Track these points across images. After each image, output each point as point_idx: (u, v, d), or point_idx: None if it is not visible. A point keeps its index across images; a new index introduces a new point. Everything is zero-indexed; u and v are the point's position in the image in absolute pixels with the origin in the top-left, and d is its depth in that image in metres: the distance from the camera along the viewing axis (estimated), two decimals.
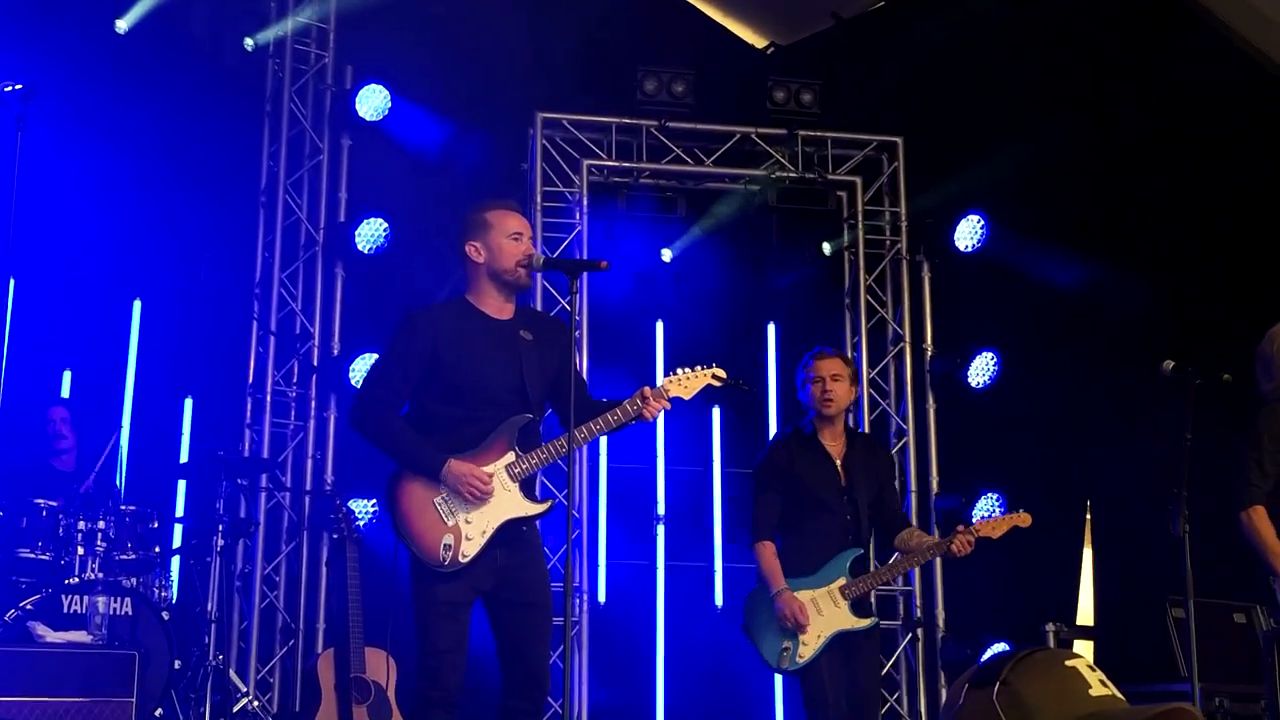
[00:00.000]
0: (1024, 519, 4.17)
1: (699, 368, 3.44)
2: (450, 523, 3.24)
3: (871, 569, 4.28)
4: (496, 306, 3.41)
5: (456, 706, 3.26)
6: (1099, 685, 1.05)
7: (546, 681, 3.32)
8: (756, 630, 4.14)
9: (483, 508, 3.26)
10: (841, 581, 4.10)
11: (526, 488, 3.38)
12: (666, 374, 3.46)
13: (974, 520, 6.21)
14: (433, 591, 3.25)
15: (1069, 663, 1.10)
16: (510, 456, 3.31)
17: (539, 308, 6.10)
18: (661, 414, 3.37)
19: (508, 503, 3.29)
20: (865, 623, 4.13)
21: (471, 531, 3.24)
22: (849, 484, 4.21)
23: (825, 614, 4.08)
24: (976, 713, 1.07)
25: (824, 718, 3.99)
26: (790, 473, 4.20)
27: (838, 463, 4.23)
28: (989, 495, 6.34)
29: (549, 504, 3.38)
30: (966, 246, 6.53)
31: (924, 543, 4.19)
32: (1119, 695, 1.09)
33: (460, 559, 3.23)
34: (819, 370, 4.22)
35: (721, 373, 3.46)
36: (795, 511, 4.19)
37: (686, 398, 3.42)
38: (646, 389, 3.37)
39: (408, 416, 3.38)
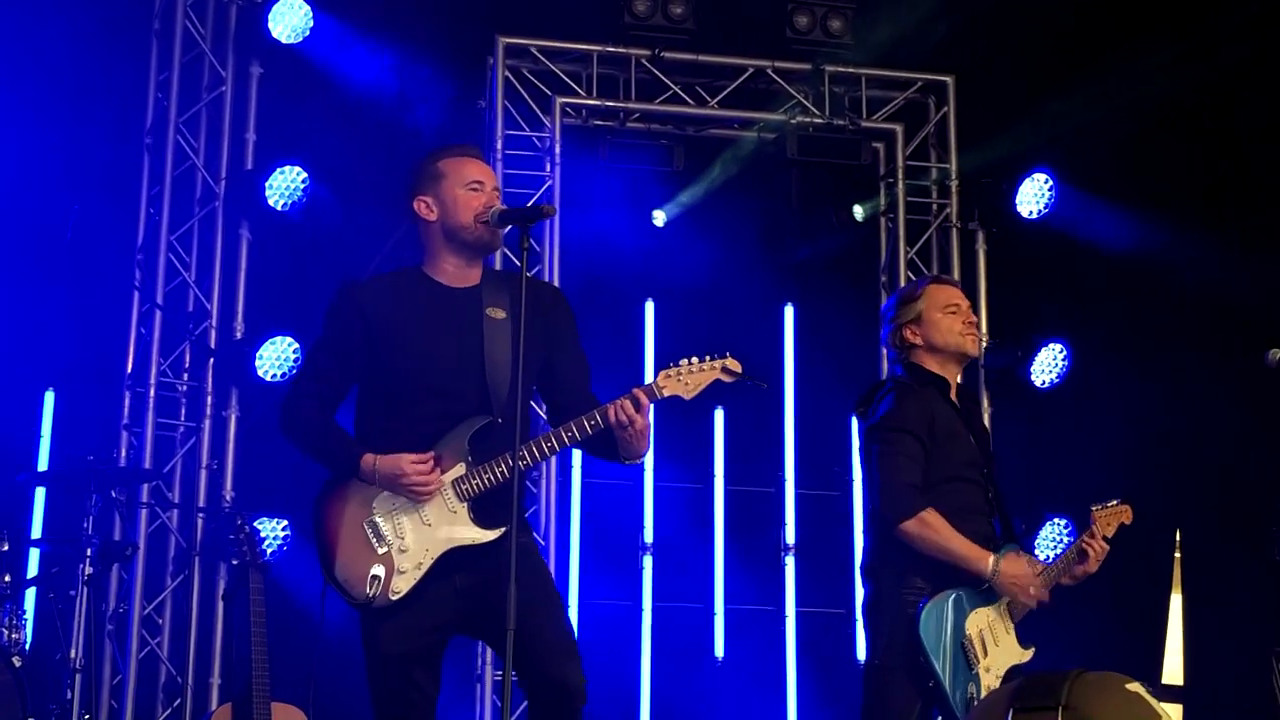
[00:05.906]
0: (1126, 513, 4.02)
1: (708, 358, 3.34)
2: (381, 550, 3.24)
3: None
4: (456, 274, 3.38)
5: None
6: None
7: (575, 650, 3.22)
8: (942, 659, 3.67)
9: (421, 534, 3.24)
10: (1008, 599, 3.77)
11: (481, 509, 3.28)
12: (659, 367, 3.36)
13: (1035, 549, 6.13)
14: (374, 639, 3.26)
15: (1130, 687, 1.10)
16: (459, 469, 3.26)
17: None
18: (651, 414, 3.24)
19: (452, 527, 3.25)
20: (1028, 655, 3.86)
21: (405, 563, 3.23)
22: (981, 450, 3.87)
23: (1000, 643, 3.81)
24: None
25: None
26: (933, 428, 3.78)
27: (962, 422, 3.86)
28: (1055, 521, 6.33)
29: (504, 529, 3.24)
30: (1031, 212, 6.55)
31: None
32: None
33: (390, 595, 3.21)
34: (948, 297, 3.87)
35: (735, 365, 3.34)
36: (935, 486, 3.75)
37: (688, 397, 3.31)
38: (637, 390, 3.26)
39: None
